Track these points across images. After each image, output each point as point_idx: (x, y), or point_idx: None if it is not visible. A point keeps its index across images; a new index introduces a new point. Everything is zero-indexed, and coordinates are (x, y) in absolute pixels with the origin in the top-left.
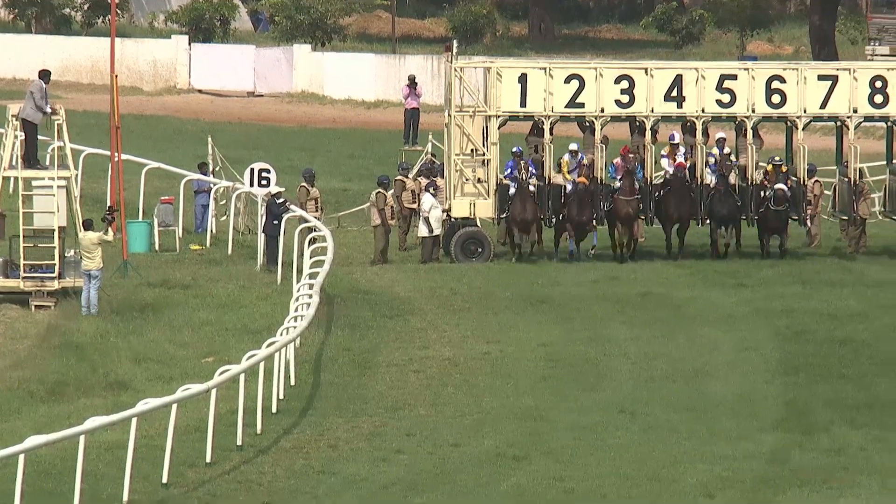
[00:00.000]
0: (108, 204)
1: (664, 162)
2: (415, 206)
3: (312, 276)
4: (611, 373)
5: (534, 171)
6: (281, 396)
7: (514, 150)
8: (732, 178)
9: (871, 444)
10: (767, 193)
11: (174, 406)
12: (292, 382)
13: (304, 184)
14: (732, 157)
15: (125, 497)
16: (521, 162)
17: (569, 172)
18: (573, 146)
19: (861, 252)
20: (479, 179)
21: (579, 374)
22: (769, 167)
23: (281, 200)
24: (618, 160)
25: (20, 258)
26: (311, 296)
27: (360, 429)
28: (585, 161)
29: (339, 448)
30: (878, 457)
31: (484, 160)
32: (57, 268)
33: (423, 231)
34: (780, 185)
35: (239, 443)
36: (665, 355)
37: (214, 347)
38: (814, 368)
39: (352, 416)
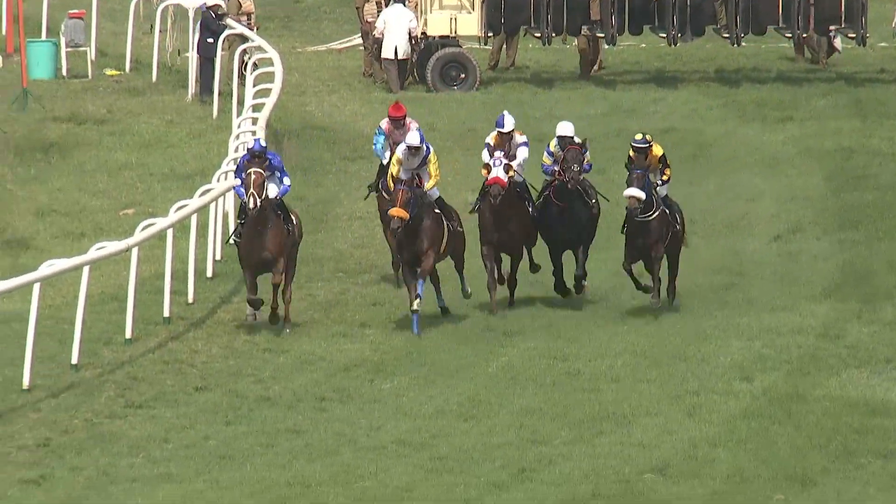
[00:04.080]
0: None
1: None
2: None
3: (256, 108)
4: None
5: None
6: (218, 257)
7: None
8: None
9: None
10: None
11: (86, 269)
12: (231, 240)
13: None
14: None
15: (26, 381)
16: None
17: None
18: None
19: None
20: None
21: None
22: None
23: (219, 13)
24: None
25: None
26: (254, 132)
27: (316, 297)
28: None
29: (290, 320)
30: None
31: None
32: None
33: (387, 52)
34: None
35: (166, 314)
36: (692, 206)
37: (135, 197)
38: (876, 222)
39: (305, 282)
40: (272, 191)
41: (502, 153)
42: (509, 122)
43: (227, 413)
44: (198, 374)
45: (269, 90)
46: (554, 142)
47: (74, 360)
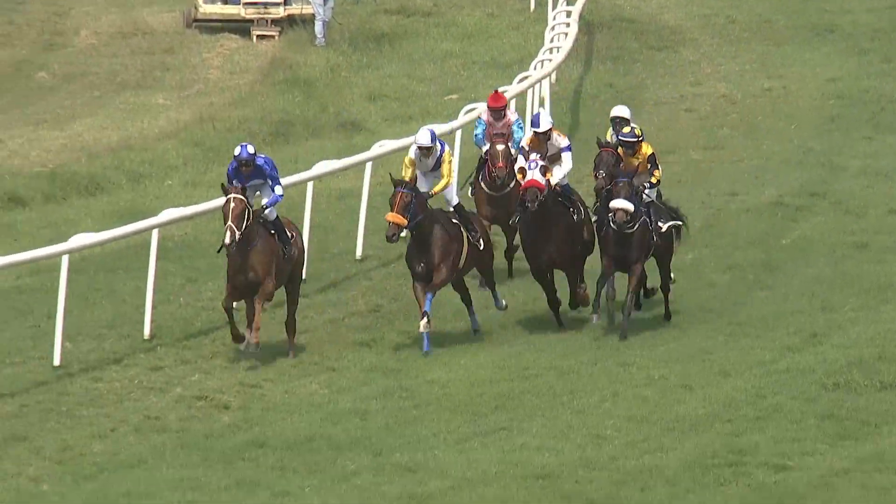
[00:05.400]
0: None
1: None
2: None
3: (570, 1)
4: None
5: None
6: None
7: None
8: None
9: None
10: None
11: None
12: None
13: None
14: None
15: (358, 252)
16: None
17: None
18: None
19: None
20: None
21: (873, 114)
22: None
23: None
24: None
25: None
26: (568, 24)
27: None
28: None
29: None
30: None
31: None
32: None
33: None
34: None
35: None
36: None
37: (459, 83)
38: None
39: None
40: (263, 201)
41: (539, 155)
42: (545, 122)
43: None
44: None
45: None
46: (610, 131)
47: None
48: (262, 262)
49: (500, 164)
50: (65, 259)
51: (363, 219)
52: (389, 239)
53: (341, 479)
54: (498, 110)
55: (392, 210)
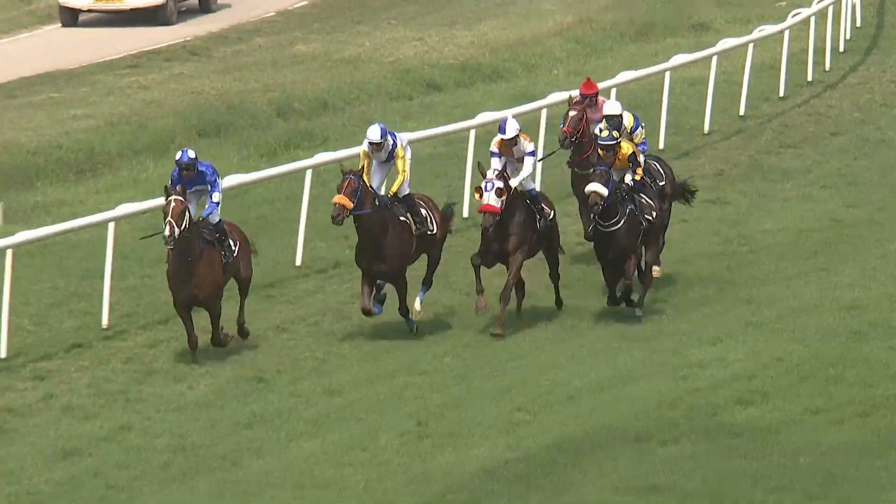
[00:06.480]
0: None
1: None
2: None
3: None
4: None
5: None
6: (848, 37)
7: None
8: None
9: None
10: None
11: (751, 45)
12: (858, 24)
13: None
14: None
15: (706, 127)
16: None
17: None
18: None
19: None
20: None
21: None
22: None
23: None
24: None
25: None
26: None
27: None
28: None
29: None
30: None
31: None
32: None
33: None
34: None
35: (809, 79)
36: None
37: None
38: None
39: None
40: (205, 209)
41: (495, 174)
42: (512, 128)
43: (854, 152)
44: (832, 123)
45: None
46: (603, 123)
47: (741, 112)
48: (206, 280)
49: (565, 129)
50: (472, 133)
51: (710, 101)
52: (335, 220)
53: (692, 308)
54: (590, 97)
55: (339, 193)
